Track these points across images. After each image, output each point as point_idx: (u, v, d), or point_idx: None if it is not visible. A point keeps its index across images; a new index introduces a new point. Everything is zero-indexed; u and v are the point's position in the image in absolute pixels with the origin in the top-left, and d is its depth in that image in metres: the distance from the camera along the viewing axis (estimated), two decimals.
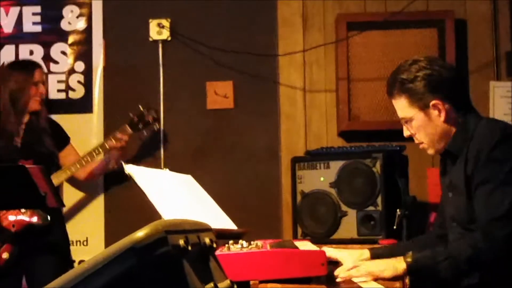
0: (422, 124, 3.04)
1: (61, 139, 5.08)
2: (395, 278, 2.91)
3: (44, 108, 5.01)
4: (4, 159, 4.74)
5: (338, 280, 2.90)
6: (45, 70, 5.26)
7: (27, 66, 5.02)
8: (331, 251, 3.14)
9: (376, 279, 2.89)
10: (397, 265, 2.87)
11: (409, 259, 2.86)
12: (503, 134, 2.89)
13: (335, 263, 3.10)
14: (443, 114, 3.00)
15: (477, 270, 2.89)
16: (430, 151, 3.13)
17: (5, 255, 4.56)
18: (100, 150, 4.95)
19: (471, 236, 2.89)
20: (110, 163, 5.04)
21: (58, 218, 4.94)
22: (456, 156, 3.03)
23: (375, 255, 3.19)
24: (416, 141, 3.12)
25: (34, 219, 4.61)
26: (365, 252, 3.23)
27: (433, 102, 2.99)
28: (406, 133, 3.13)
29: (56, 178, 4.74)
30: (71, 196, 5.34)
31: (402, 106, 3.07)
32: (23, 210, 4.54)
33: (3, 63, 5.20)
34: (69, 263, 5.01)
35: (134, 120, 5.03)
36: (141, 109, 5.07)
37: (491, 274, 2.91)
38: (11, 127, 4.84)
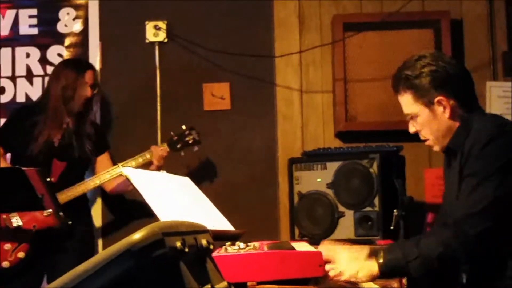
0: (427, 121, 3.03)
1: (100, 145, 5.03)
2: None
3: (92, 113, 5.00)
4: (40, 156, 4.74)
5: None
6: (97, 74, 5.21)
7: (81, 65, 5.01)
8: (327, 251, 3.11)
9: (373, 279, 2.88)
10: (370, 266, 2.83)
11: (380, 261, 2.81)
12: (498, 130, 2.88)
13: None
14: (447, 111, 2.99)
15: (449, 267, 2.87)
16: (436, 148, 3.11)
17: (20, 254, 4.54)
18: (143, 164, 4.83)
19: (442, 233, 2.86)
20: None
21: (85, 217, 4.94)
22: (456, 152, 3.03)
23: (389, 263, 3.11)
24: (422, 138, 3.11)
25: (55, 223, 4.57)
26: (364, 250, 3.18)
27: (438, 98, 2.98)
28: (411, 129, 3.12)
29: (82, 186, 4.76)
30: None
31: (407, 102, 3.06)
32: (45, 213, 4.50)
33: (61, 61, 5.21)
34: None
35: (174, 139, 4.93)
36: (183, 128, 4.98)
37: (481, 272, 2.91)
38: (58, 123, 4.83)
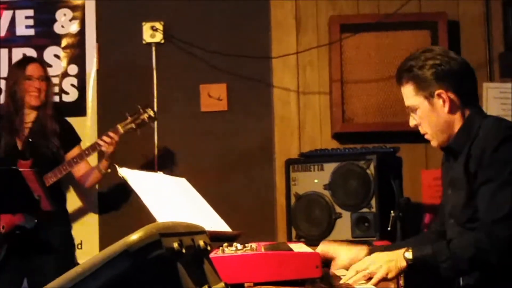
0: (426, 114, 3.02)
1: (70, 140, 5.04)
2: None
3: (49, 107, 4.97)
4: (6, 159, 4.73)
5: (349, 282, 2.88)
6: (45, 66, 5.13)
7: (22, 61, 5.05)
8: (325, 248, 3.11)
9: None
10: (399, 264, 2.85)
11: (409, 257, 2.82)
12: (508, 133, 2.89)
13: (329, 264, 3.09)
14: (447, 105, 2.98)
15: (479, 270, 2.88)
16: (433, 143, 3.10)
17: None
18: (91, 150, 4.86)
19: (474, 235, 2.85)
20: (101, 164, 4.96)
21: (62, 220, 4.94)
22: (458, 152, 3.03)
23: (418, 261, 3.08)
24: (421, 132, 3.10)
25: (22, 221, 4.58)
26: (363, 250, 3.15)
27: (438, 91, 2.97)
28: (411, 122, 3.11)
29: (51, 177, 4.73)
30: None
31: (408, 94, 3.05)
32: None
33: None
34: (74, 266, 4.98)
35: (128, 119, 4.93)
36: (138, 107, 4.94)
37: (489, 274, 2.91)
38: (12, 124, 4.83)
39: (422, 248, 2.87)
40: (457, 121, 3.02)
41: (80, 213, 5.37)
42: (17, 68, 4.96)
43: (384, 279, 2.86)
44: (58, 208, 4.82)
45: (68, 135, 5.04)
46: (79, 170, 5.01)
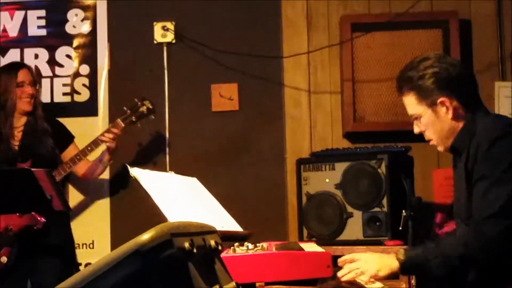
0: (431, 121, 3.05)
1: (64, 138, 5.05)
2: (394, 276, 2.92)
3: (39, 109, 4.95)
4: (1, 162, 4.75)
5: (343, 279, 2.90)
6: (33, 71, 5.08)
7: (11, 67, 5.00)
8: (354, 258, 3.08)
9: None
10: (391, 263, 2.89)
11: (401, 257, 2.88)
12: (503, 130, 2.90)
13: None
14: (450, 112, 3.00)
15: (470, 267, 2.90)
16: (440, 148, 3.13)
17: (3, 259, 4.56)
18: (93, 146, 4.87)
19: (464, 233, 2.90)
20: (104, 158, 4.97)
21: (62, 221, 4.94)
22: (461, 152, 3.04)
23: (410, 260, 2.96)
24: (426, 138, 3.13)
25: (30, 222, 4.60)
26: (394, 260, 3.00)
27: (441, 99, 2.99)
28: (416, 130, 3.13)
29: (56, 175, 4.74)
30: (76, 199, 5.34)
31: (411, 103, 3.08)
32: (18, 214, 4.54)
33: None
34: (75, 266, 5.01)
35: (127, 113, 4.92)
36: (136, 100, 4.97)
37: (491, 270, 2.91)
38: (4, 130, 4.84)
39: (414, 248, 2.94)
40: (462, 125, 3.03)
41: (91, 213, 5.38)
42: (8, 75, 4.90)
43: (376, 277, 2.89)
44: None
45: (61, 134, 5.03)
46: (81, 167, 5.02)
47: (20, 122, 4.93)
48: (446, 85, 3.00)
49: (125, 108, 4.92)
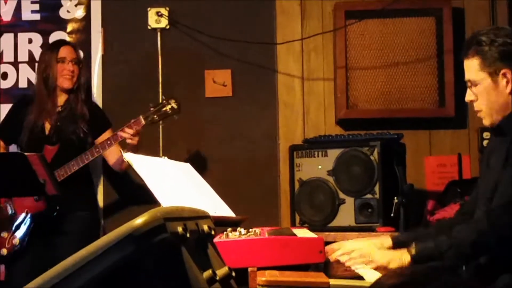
0: (487, 90, 3.00)
1: (99, 125, 5.00)
2: None
3: (82, 91, 4.95)
4: (31, 144, 4.76)
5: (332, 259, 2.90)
6: (78, 49, 5.09)
7: (55, 44, 5.04)
8: (348, 245, 3.09)
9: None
10: (402, 257, 2.87)
11: (413, 252, 2.86)
12: None
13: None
14: (509, 85, 2.97)
15: (483, 254, 2.88)
16: (486, 121, 3.07)
17: (15, 241, 4.56)
18: (112, 141, 4.71)
19: (476, 220, 2.89)
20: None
21: (85, 205, 4.93)
22: (506, 134, 3.01)
23: (398, 243, 3.10)
24: (476, 109, 3.07)
25: (43, 208, 4.59)
26: (386, 241, 3.14)
27: (504, 70, 2.96)
28: (468, 97, 3.07)
29: (74, 165, 4.71)
30: None
31: (472, 68, 3.02)
32: (36, 198, 4.53)
33: None
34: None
35: (150, 111, 4.74)
36: (162, 99, 4.84)
37: (504, 256, 2.91)
38: (46, 107, 4.85)
39: (423, 241, 2.89)
40: None
41: None
42: (50, 51, 4.95)
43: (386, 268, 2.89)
44: (83, 193, 4.93)
45: (98, 120, 5.00)
46: (112, 156, 4.96)
47: (60, 100, 4.93)
48: None
49: (150, 105, 4.74)
